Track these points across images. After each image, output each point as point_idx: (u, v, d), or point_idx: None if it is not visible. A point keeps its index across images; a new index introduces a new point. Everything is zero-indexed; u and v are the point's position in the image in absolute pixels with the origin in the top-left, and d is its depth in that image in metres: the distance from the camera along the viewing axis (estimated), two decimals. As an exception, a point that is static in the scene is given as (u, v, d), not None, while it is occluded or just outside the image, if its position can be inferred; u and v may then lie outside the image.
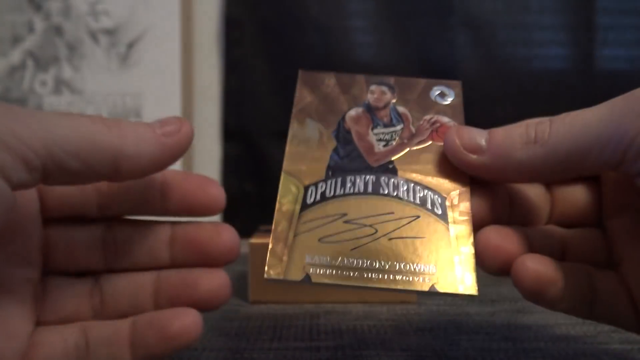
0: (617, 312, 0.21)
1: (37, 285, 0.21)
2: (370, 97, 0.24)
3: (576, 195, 0.23)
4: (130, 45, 0.75)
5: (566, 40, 0.73)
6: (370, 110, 0.23)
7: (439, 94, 0.24)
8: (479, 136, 0.20)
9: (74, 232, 0.21)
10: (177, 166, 0.79)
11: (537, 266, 0.19)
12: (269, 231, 0.20)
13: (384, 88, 0.24)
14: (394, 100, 0.24)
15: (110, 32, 0.76)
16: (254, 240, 0.37)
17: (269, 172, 0.74)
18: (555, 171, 0.19)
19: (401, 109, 0.23)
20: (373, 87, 0.24)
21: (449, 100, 0.24)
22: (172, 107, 0.75)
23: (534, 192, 0.23)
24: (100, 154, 0.17)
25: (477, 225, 0.21)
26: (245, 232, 0.90)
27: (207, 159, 0.77)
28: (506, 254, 0.20)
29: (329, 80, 0.25)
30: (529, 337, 0.30)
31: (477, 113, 0.74)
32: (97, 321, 0.21)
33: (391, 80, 0.24)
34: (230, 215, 0.77)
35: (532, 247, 0.21)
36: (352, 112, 0.23)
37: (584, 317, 0.21)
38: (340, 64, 0.74)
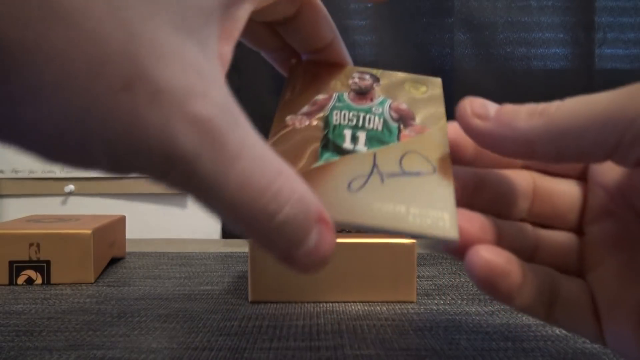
0: (577, 319, 0.21)
1: None
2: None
3: (559, 196, 0.23)
4: (130, 45, 0.75)
5: (566, 40, 0.73)
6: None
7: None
8: (490, 106, 0.20)
9: None
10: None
11: (490, 256, 0.19)
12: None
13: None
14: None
15: (109, 32, 0.76)
16: (254, 240, 0.37)
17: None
18: (551, 147, 0.19)
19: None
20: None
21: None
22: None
23: (518, 183, 0.22)
24: None
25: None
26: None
27: (207, 158, 0.77)
28: (469, 238, 0.20)
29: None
30: (528, 337, 0.30)
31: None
32: None
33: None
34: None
35: (502, 240, 0.21)
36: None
37: (542, 318, 0.21)
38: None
